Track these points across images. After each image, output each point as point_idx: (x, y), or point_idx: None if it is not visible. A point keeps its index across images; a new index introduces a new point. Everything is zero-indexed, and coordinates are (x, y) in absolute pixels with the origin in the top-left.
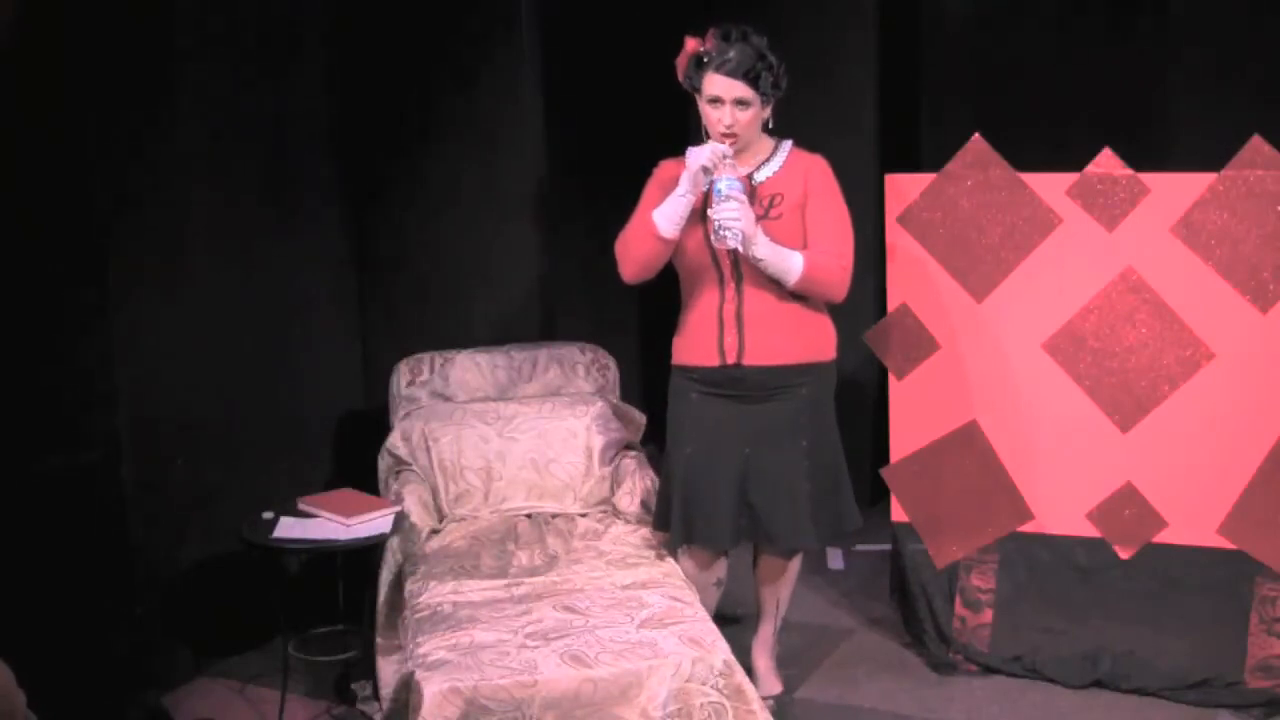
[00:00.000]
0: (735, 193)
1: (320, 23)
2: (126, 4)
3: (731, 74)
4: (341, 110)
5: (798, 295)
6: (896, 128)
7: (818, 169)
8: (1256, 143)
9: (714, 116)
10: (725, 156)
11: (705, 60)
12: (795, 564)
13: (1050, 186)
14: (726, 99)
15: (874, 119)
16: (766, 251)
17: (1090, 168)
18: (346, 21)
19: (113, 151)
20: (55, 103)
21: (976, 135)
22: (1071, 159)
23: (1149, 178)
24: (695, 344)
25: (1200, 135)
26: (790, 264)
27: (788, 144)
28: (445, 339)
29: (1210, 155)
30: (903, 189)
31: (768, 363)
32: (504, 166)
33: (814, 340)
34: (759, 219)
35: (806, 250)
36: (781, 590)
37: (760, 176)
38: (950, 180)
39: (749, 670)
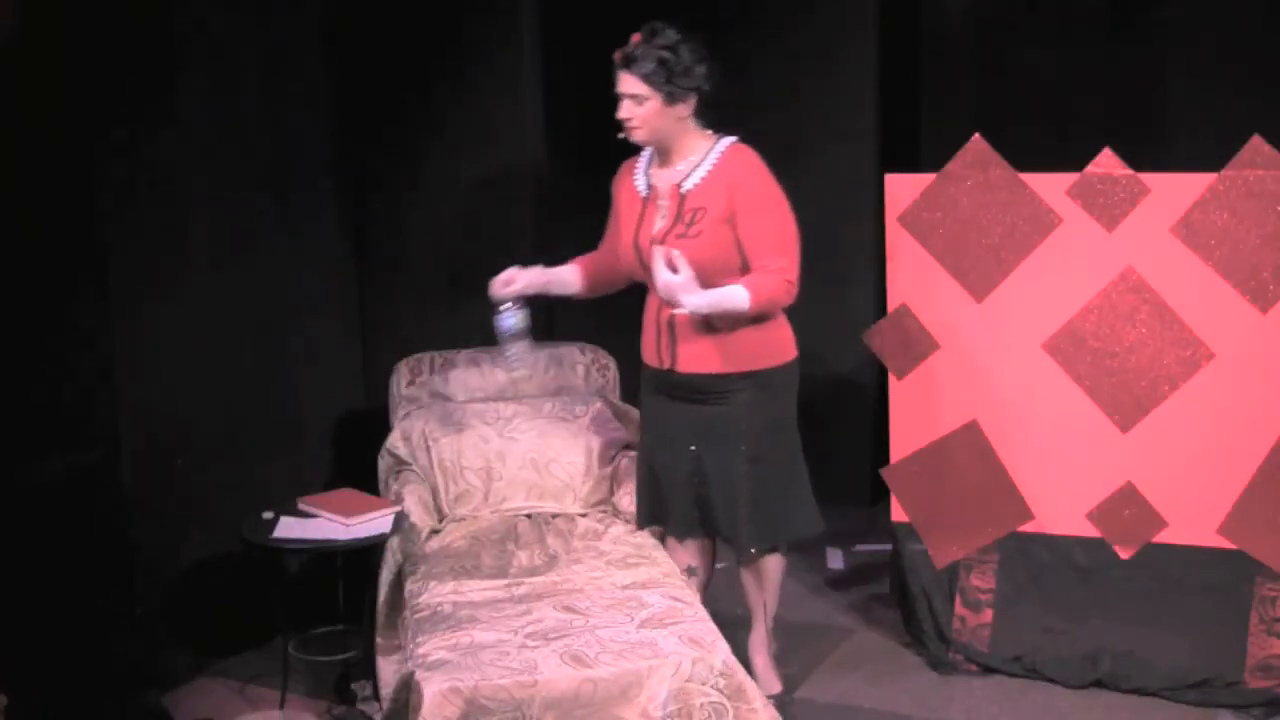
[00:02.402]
0: (514, 331)
1: (320, 22)
2: (126, 4)
3: (628, 68)
4: (341, 109)
5: None
6: (896, 128)
7: (744, 175)
8: (1256, 143)
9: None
10: (500, 306)
11: (623, 56)
12: (772, 564)
13: (1050, 186)
14: (622, 92)
15: (874, 119)
16: (705, 305)
17: (1090, 168)
18: (346, 21)
19: (113, 152)
20: (55, 103)
21: (976, 135)
22: (1071, 159)
23: (1149, 178)
24: (644, 344)
25: (1200, 135)
26: (735, 305)
27: (724, 143)
28: (445, 339)
29: (1210, 155)
30: (903, 189)
31: (697, 371)
32: (504, 165)
33: (749, 349)
34: (680, 236)
35: (746, 280)
36: (766, 590)
37: (687, 185)
38: (950, 180)
39: (749, 670)
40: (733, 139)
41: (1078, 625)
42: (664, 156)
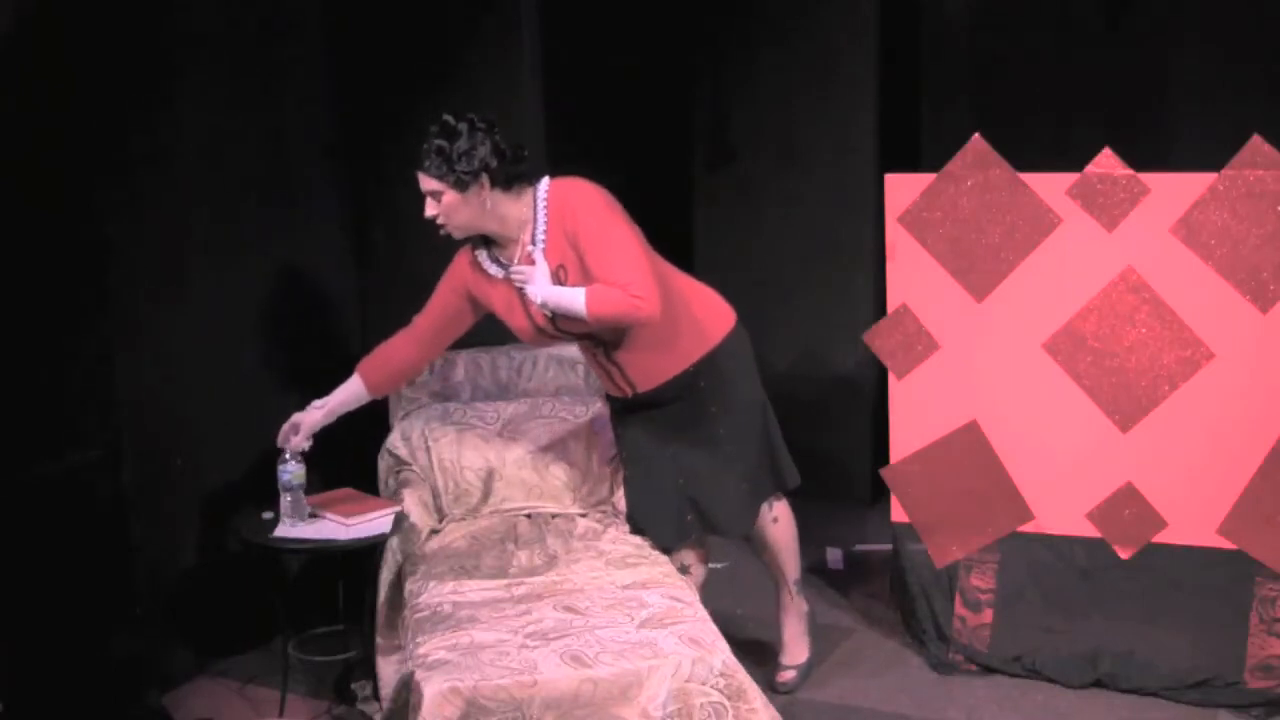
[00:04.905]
0: (289, 485)
1: (319, 23)
2: (127, 4)
3: (419, 168)
4: (341, 109)
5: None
6: (896, 128)
7: (574, 212)
8: (1256, 143)
9: None
10: (284, 455)
11: (416, 157)
12: (772, 533)
13: (1050, 186)
14: (423, 192)
15: (874, 119)
16: (550, 299)
17: (1090, 168)
18: (345, 22)
19: (113, 152)
20: (58, 104)
21: (976, 135)
22: (1071, 159)
23: (1149, 178)
24: (601, 381)
25: (1200, 135)
26: (574, 308)
27: (542, 191)
28: None
29: (1210, 155)
30: (903, 189)
31: (657, 384)
32: None
33: (690, 343)
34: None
35: (591, 287)
36: (778, 558)
37: (537, 250)
38: (950, 180)
39: (762, 662)
40: (546, 180)
41: (1078, 625)
42: (498, 237)
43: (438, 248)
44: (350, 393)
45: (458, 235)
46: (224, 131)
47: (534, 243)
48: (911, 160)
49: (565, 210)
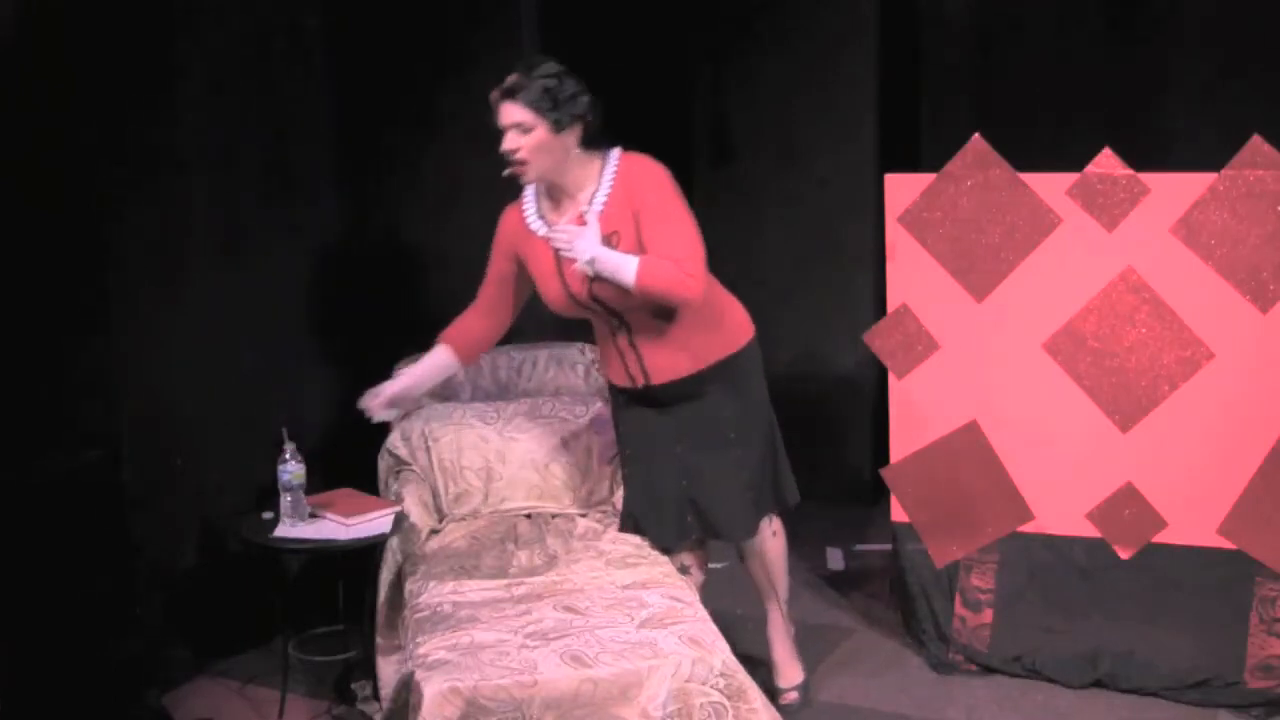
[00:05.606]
0: (288, 485)
1: (319, 23)
2: (127, 4)
3: (511, 98)
4: (341, 109)
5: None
6: (896, 128)
7: (642, 184)
8: (1256, 143)
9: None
10: (284, 454)
11: (504, 89)
12: (774, 547)
13: (1050, 186)
14: (506, 124)
15: (874, 119)
16: (599, 259)
17: (1090, 168)
18: (345, 21)
19: (113, 151)
20: (58, 103)
21: (976, 135)
22: (1071, 159)
23: (1149, 178)
24: (609, 369)
25: (1200, 135)
26: (623, 274)
27: (613, 158)
28: None
29: (1210, 155)
30: (903, 189)
31: (672, 379)
32: (503, 165)
33: (712, 343)
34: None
35: (643, 257)
36: (773, 573)
37: (591, 213)
38: (950, 180)
39: (761, 664)
40: (617, 151)
41: (1078, 625)
42: (555, 194)
43: (437, 248)
44: (436, 364)
45: (528, 177)
46: (224, 131)
47: (591, 204)
48: (911, 160)
49: (634, 181)
